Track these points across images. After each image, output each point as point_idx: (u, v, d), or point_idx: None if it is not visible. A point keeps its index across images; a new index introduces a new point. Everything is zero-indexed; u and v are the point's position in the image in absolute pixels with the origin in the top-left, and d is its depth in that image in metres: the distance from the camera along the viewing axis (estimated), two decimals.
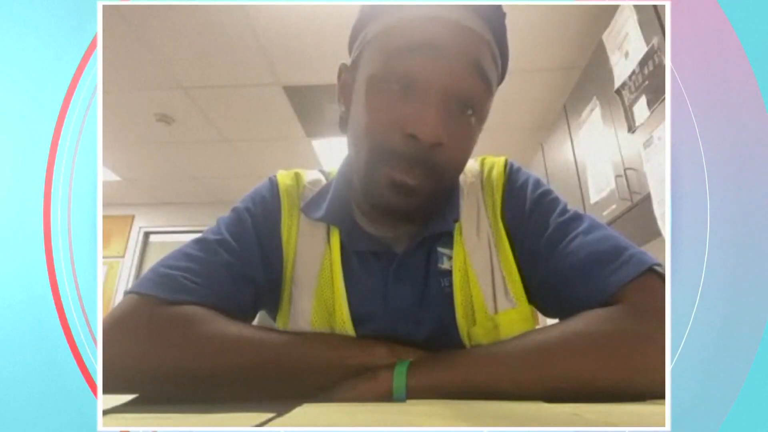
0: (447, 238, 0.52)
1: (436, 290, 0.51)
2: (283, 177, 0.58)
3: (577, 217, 0.51)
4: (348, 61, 0.53)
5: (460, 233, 0.52)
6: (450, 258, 0.52)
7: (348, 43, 0.53)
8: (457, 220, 0.52)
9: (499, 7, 0.47)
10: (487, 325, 0.48)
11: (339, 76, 0.53)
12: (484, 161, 0.60)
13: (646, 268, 0.43)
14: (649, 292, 0.42)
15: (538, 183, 0.55)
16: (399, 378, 0.38)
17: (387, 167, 0.44)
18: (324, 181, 0.59)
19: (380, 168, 0.44)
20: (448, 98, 0.44)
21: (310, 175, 0.59)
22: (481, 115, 0.47)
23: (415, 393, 0.37)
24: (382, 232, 0.53)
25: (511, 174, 0.57)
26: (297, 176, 0.59)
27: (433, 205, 0.49)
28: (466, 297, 0.50)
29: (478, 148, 0.50)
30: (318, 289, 0.51)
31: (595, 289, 0.44)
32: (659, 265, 0.44)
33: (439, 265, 0.51)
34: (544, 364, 0.38)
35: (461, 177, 0.57)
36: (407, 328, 0.49)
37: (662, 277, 0.43)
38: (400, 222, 0.51)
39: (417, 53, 0.43)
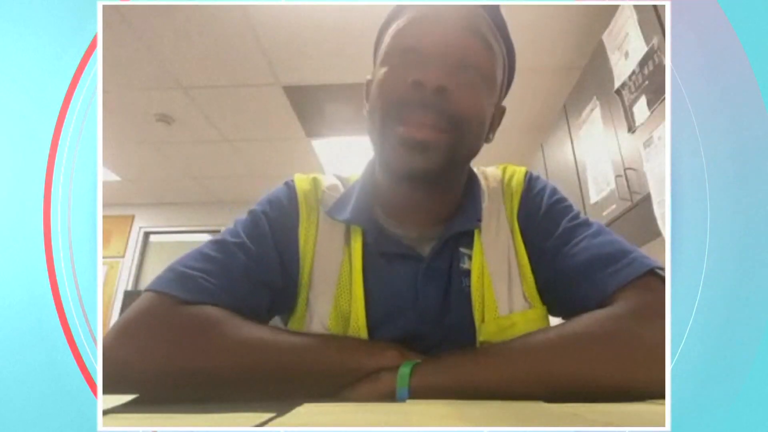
0: (468, 239, 0.54)
1: (458, 289, 0.51)
2: (301, 182, 0.59)
3: (586, 223, 0.53)
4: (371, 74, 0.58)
5: (480, 234, 0.54)
6: (470, 258, 0.53)
7: (373, 54, 0.57)
8: (479, 220, 0.54)
9: (494, 5, 0.52)
10: (501, 323, 0.49)
11: (366, 88, 0.57)
12: (506, 169, 0.62)
13: (647, 270, 0.44)
14: (650, 293, 0.42)
15: (554, 191, 0.58)
16: (402, 380, 0.38)
17: (398, 124, 0.47)
18: (341, 186, 0.60)
19: (393, 127, 0.47)
20: (449, 55, 0.47)
21: (327, 180, 0.60)
22: (486, 77, 0.50)
23: (417, 394, 0.38)
24: (405, 233, 0.54)
25: (530, 181, 0.59)
26: (315, 181, 0.59)
27: (450, 171, 0.50)
28: (482, 296, 0.51)
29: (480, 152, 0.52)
30: (337, 294, 0.51)
31: (596, 288, 0.45)
32: (661, 268, 0.45)
33: (461, 265, 0.53)
34: (545, 364, 0.38)
35: (483, 182, 0.59)
36: (429, 327, 0.50)
37: (663, 279, 0.44)
38: (421, 189, 0.52)
39: (418, 25, 0.48)
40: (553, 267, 0.50)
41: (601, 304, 0.43)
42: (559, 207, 0.55)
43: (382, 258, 0.52)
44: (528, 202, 0.57)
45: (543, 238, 0.53)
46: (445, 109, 0.46)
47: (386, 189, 0.55)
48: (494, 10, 0.52)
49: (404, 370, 0.39)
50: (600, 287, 0.45)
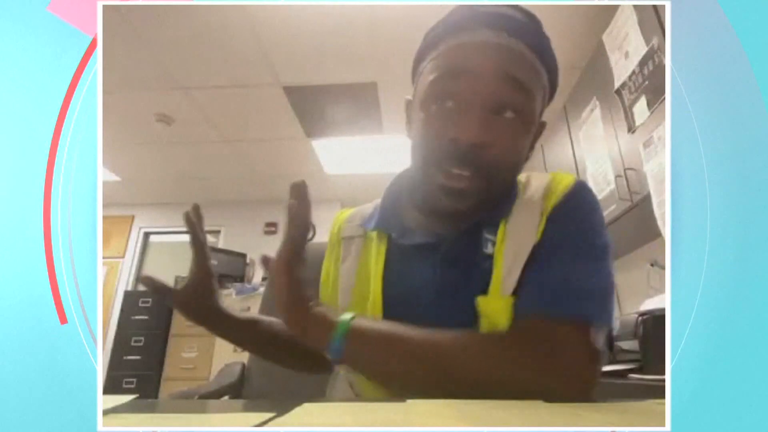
0: (494, 226, 0.54)
1: (480, 273, 0.52)
2: (333, 228, 0.67)
3: (593, 255, 0.50)
4: (411, 91, 0.62)
5: (506, 222, 0.54)
6: (494, 243, 0.54)
7: (411, 75, 0.61)
8: (508, 214, 0.54)
9: (532, 18, 0.55)
10: (499, 303, 0.49)
11: (406, 109, 0.61)
12: (556, 175, 0.59)
13: (584, 319, 0.44)
14: (561, 343, 0.43)
15: (597, 211, 0.55)
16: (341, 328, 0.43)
17: (438, 173, 0.50)
18: (364, 209, 0.66)
19: (434, 175, 0.51)
20: (485, 105, 0.49)
21: (352, 212, 0.68)
22: (524, 116, 0.51)
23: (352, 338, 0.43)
24: (435, 228, 0.57)
25: (576, 187, 0.56)
26: (342, 225, 0.66)
27: (486, 205, 0.53)
28: (498, 279, 0.51)
29: None
30: (353, 299, 0.57)
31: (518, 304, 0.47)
32: (607, 324, 0.45)
33: (484, 249, 0.54)
34: (441, 363, 0.42)
35: (524, 181, 0.60)
36: (447, 309, 0.51)
37: (592, 334, 0.44)
38: (456, 220, 0.55)
39: (455, 76, 0.50)
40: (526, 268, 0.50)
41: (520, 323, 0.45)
42: (585, 226, 0.53)
43: (405, 251, 0.55)
44: (565, 204, 0.54)
45: (546, 240, 0.51)
46: (482, 163, 0.49)
47: (420, 205, 0.58)
48: (533, 32, 0.54)
49: (344, 317, 0.44)
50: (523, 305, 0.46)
